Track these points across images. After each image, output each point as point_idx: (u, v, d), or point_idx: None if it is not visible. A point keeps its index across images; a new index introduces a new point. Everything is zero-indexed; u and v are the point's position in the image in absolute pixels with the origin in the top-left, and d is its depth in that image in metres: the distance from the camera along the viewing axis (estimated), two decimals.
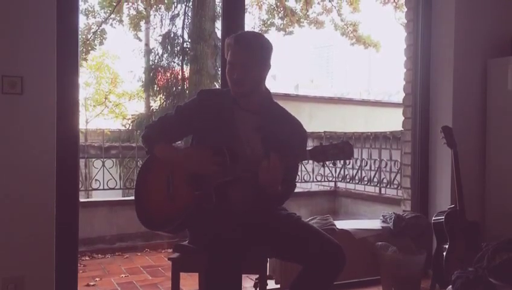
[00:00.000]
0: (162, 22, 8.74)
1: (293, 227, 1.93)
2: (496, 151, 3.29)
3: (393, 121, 6.59)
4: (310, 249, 1.84)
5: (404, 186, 3.60)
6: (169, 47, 8.56)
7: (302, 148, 1.97)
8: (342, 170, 6.66)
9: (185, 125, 2.06)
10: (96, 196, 6.49)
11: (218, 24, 7.82)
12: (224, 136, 1.94)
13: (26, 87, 2.24)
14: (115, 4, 8.92)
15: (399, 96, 6.65)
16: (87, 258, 4.59)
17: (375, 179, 6.15)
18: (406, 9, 3.56)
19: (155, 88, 8.90)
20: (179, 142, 3.32)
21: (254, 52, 1.93)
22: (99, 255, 4.70)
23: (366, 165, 6.28)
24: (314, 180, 6.56)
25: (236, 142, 1.94)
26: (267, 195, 1.87)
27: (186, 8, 8.40)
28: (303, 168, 6.32)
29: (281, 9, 9.55)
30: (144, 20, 9.44)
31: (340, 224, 3.15)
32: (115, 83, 13.76)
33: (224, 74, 2.02)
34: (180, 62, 8.57)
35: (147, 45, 9.94)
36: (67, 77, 2.38)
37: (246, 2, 3.37)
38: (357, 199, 6.66)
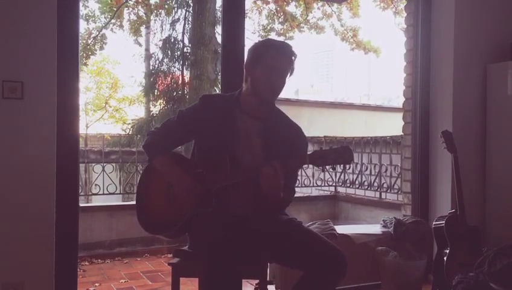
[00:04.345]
0: (162, 27, 8.80)
1: (294, 233, 1.92)
2: (496, 155, 3.29)
3: (393, 125, 6.60)
4: (311, 255, 1.83)
5: (404, 191, 3.60)
6: (169, 52, 8.60)
7: (303, 154, 1.93)
8: (342, 174, 6.67)
9: (187, 132, 2.06)
10: (96, 201, 6.48)
11: (219, 29, 7.84)
12: (226, 140, 1.94)
13: (27, 92, 2.25)
14: (115, 9, 8.94)
15: (399, 101, 6.67)
16: (86, 263, 4.58)
17: (376, 184, 6.15)
18: (405, 15, 3.57)
19: (155, 93, 8.94)
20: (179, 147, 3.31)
21: (292, 62, 1.96)
22: (99, 260, 4.70)
23: (366, 169, 6.28)
24: (315, 185, 6.56)
25: (238, 147, 1.94)
26: (268, 201, 1.86)
27: (187, 13, 8.43)
28: (303, 173, 6.32)
29: (281, 14, 9.57)
30: (144, 25, 9.47)
31: (341, 229, 3.14)
32: (115, 88, 13.78)
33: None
34: (180, 67, 8.60)
35: (147, 50, 9.97)
36: (68, 82, 2.38)
37: (246, 7, 3.38)
38: (357, 204, 6.65)
